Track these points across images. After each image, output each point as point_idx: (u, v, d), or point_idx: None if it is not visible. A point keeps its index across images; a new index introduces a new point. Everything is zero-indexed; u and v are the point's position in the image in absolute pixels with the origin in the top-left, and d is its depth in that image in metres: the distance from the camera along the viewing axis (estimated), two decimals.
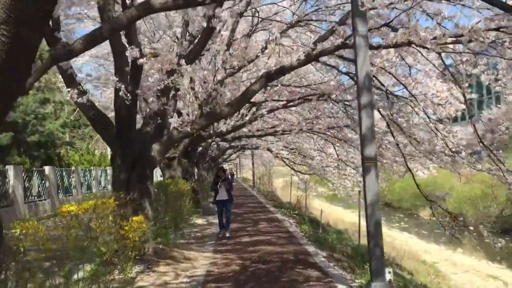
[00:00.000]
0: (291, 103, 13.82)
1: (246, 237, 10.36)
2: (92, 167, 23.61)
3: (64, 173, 20.63)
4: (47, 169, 18.72)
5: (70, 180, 21.24)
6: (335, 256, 8.67)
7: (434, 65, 8.49)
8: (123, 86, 7.18)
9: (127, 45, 7.06)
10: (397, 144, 9.03)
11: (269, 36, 11.55)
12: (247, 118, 14.77)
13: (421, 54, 8.30)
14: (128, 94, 7.18)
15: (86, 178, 23.02)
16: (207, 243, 9.87)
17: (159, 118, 8.43)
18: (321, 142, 17.85)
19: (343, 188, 19.60)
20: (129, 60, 7.10)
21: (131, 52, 6.81)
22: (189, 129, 8.62)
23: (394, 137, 9.42)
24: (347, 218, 30.67)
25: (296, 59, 8.76)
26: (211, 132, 13.83)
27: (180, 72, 7.95)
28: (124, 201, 7.71)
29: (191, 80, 13.46)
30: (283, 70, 8.97)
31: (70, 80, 7.99)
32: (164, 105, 8.40)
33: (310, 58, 8.52)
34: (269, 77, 9.01)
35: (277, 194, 27.63)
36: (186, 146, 13.71)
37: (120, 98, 7.41)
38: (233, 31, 11.95)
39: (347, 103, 12.99)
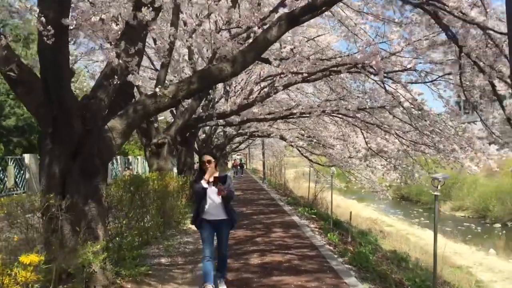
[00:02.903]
0: (314, 76, 10.45)
1: (255, 256, 6.98)
2: None
3: None
4: (27, 157, 15.47)
5: None
6: None
7: None
8: (37, 9, 3.85)
9: None
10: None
11: None
12: (256, 95, 11.39)
13: None
14: (49, 27, 3.86)
15: None
16: (198, 266, 6.51)
17: (116, 79, 5.06)
18: (347, 128, 14.41)
19: (368, 182, 16.21)
20: None
21: None
22: (166, 92, 5.25)
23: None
24: (363, 212, 27.42)
25: None
26: (212, 112, 10.47)
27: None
28: (56, 209, 4.44)
29: (189, 50, 10.13)
30: (313, 7, 5.54)
31: None
32: (129, 56, 5.06)
33: None
34: (292, 19, 5.58)
35: (289, 187, 24.23)
36: (180, 130, 10.37)
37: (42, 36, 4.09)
38: None
39: (386, 75, 9.65)
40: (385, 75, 9.52)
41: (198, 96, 9.82)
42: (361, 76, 11.79)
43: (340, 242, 8.85)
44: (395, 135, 11.46)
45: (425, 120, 9.33)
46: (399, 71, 9.49)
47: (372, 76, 9.80)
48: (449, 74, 8.90)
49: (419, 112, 9.33)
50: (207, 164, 5.11)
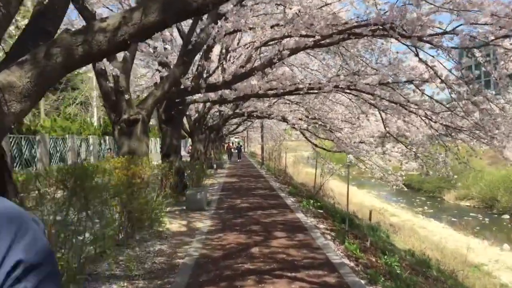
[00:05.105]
0: (328, 40, 8.10)
1: (250, 284, 4.66)
2: (67, 135, 17.99)
3: (23, 142, 15.05)
4: None
5: (34, 150, 15.70)
6: None
7: None
8: None
9: None
10: None
11: None
12: (256, 62, 8.98)
13: None
14: None
15: (58, 149, 17.40)
16: None
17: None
18: (359, 108, 12.05)
19: (380, 170, 13.92)
20: None
21: None
22: (103, 25, 2.92)
23: None
24: (365, 201, 25.33)
25: None
26: (200, 82, 8.09)
27: None
28: None
29: None
30: None
31: None
32: None
33: None
34: None
35: (289, 173, 21.87)
36: (163, 105, 8.00)
37: None
38: None
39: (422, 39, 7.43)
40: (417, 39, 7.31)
41: (182, 61, 7.43)
42: (385, 42, 9.47)
43: (360, 252, 6.59)
44: (425, 117, 9.11)
45: (473, 95, 6.96)
46: (437, 34, 7.17)
47: (404, 40, 7.54)
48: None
49: (469, 86, 7.00)
50: None
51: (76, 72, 21.12)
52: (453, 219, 22.97)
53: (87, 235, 4.72)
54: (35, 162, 15.63)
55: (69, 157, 18.07)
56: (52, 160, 16.82)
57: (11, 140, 14.22)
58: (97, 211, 4.69)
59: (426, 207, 27.51)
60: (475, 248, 17.61)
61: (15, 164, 14.44)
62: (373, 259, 6.73)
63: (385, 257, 7.02)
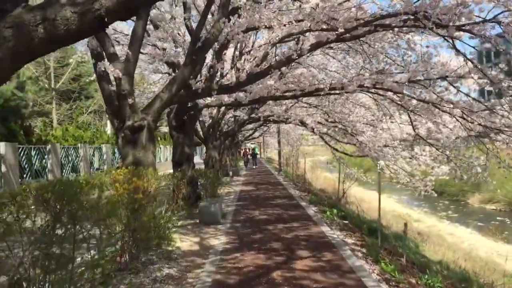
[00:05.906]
0: (353, 33, 7.22)
1: None
2: (79, 145, 17.37)
3: (33, 152, 14.42)
4: (1, 146, 12.51)
5: (44, 161, 15.07)
6: None
7: None
8: None
9: None
10: None
11: None
12: (273, 60, 8.09)
13: None
14: None
15: (70, 158, 16.76)
16: None
17: None
18: (382, 110, 11.06)
19: (407, 175, 12.86)
20: None
21: None
22: None
23: None
24: (386, 206, 24.15)
25: None
26: (211, 84, 7.24)
27: None
28: None
29: None
30: None
31: None
32: None
33: None
34: None
35: (308, 179, 20.86)
36: (166, 107, 7.16)
37: None
38: None
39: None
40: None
41: (191, 60, 6.59)
42: (411, 37, 8.49)
43: (398, 272, 5.64)
44: (460, 117, 8.10)
45: None
46: (476, 23, 6.21)
47: (436, 32, 6.62)
48: None
49: None
50: None
51: (88, 80, 20.54)
52: (479, 223, 21.67)
53: (79, 260, 3.92)
54: (45, 173, 15.00)
55: (82, 167, 17.43)
56: (64, 171, 16.20)
57: (20, 150, 13.60)
58: (91, 234, 3.86)
59: (450, 212, 26.16)
60: (508, 256, 16.39)
61: (24, 175, 13.82)
62: (414, 281, 5.77)
63: (426, 276, 6.06)
